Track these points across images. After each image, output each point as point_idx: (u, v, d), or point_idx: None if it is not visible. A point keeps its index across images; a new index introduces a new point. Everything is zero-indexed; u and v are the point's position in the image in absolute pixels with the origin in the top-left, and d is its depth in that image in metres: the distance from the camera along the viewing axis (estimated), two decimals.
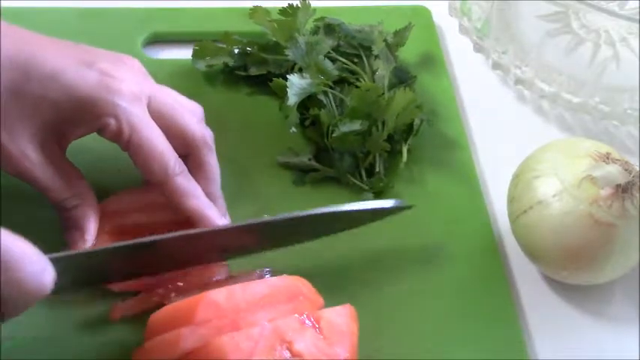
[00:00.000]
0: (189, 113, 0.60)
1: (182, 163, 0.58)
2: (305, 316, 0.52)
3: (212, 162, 0.60)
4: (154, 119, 0.58)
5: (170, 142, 0.58)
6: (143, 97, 0.57)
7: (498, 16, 0.74)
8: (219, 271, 0.58)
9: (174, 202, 0.58)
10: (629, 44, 0.74)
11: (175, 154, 0.58)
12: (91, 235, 0.57)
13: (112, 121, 0.56)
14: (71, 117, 0.56)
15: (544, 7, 0.74)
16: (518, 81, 0.74)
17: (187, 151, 0.60)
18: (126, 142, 0.56)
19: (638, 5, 0.77)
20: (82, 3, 0.74)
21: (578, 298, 0.62)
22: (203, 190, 0.59)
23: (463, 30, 0.77)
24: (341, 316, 0.54)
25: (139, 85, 0.58)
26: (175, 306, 0.53)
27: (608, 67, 0.73)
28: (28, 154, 0.55)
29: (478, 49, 0.76)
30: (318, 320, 0.53)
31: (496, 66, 0.75)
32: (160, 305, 0.54)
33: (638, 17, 0.69)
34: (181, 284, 0.57)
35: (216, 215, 0.59)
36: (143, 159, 0.57)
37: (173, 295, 0.56)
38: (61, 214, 0.58)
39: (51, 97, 0.55)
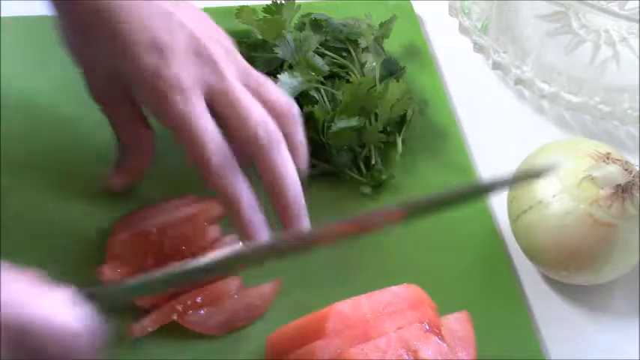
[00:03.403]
0: (249, 109, 0.55)
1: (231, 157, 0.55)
2: (426, 323, 0.53)
3: (279, 162, 0.55)
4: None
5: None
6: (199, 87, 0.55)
7: (498, 16, 0.74)
8: (234, 284, 0.58)
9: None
10: (629, 44, 0.75)
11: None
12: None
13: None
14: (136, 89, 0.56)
15: (544, 7, 0.74)
16: (518, 81, 0.74)
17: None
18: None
19: (638, 5, 0.77)
20: None
21: (578, 298, 0.62)
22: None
23: (463, 30, 0.77)
24: (460, 323, 0.55)
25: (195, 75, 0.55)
26: (300, 322, 0.54)
27: (608, 67, 0.73)
28: (103, 93, 0.58)
29: (478, 49, 0.76)
30: (439, 327, 0.53)
31: (496, 66, 0.75)
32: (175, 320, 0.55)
33: (638, 17, 0.69)
34: (199, 300, 0.56)
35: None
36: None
37: (191, 311, 0.56)
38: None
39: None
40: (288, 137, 0.56)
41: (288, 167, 0.55)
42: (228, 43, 0.58)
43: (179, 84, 0.54)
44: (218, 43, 0.57)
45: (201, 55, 0.55)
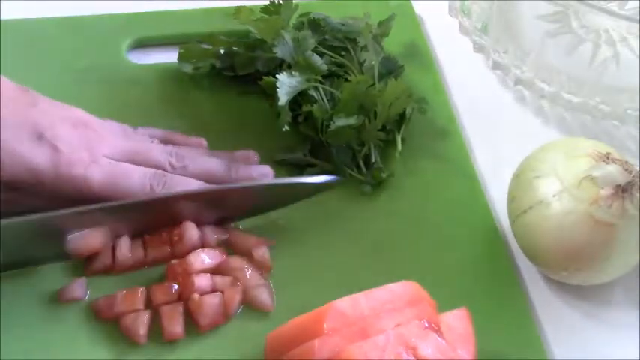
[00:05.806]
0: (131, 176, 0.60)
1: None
2: (425, 320, 0.53)
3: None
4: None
5: None
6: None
7: (498, 16, 0.74)
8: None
9: None
10: (629, 44, 0.74)
11: None
12: None
13: None
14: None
15: (544, 7, 0.74)
16: (518, 81, 0.74)
17: None
18: None
19: (638, 5, 0.77)
20: (63, 11, 0.73)
21: (578, 298, 0.63)
22: None
23: (463, 30, 0.77)
24: (459, 320, 0.55)
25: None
26: (299, 320, 0.54)
27: (608, 67, 0.73)
28: None
29: (478, 49, 0.76)
30: (438, 324, 0.53)
31: (496, 66, 0.75)
32: None
33: (638, 17, 0.69)
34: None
35: None
36: None
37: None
38: None
39: None
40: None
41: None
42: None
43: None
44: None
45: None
